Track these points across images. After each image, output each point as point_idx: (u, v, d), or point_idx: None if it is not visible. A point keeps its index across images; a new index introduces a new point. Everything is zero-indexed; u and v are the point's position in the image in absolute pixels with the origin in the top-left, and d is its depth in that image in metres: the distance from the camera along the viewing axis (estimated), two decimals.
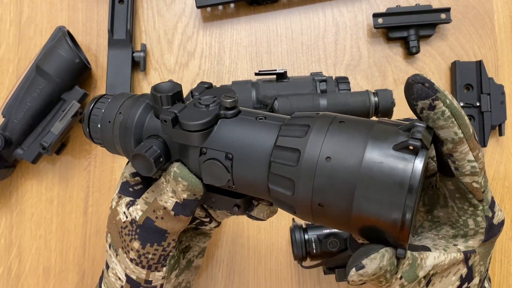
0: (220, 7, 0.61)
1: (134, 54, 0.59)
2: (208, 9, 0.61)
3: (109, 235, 0.36)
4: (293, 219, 0.56)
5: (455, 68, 0.60)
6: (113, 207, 0.35)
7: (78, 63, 0.56)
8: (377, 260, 0.24)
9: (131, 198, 0.35)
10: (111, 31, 0.59)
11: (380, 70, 0.61)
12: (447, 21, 0.59)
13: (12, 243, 0.59)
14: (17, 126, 0.55)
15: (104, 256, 0.58)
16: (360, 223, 0.24)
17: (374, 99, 0.52)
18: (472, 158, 0.26)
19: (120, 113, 0.33)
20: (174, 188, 0.31)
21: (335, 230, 0.51)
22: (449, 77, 0.61)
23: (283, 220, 0.58)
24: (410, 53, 0.60)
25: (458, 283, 0.28)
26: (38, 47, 0.60)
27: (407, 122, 0.25)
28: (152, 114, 0.32)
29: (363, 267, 0.24)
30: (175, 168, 0.31)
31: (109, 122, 0.33)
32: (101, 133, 0.34)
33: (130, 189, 0.35)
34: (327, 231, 0.51)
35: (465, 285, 0.28)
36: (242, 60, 0.62)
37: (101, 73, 0.61)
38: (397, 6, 0.60)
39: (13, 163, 0.59)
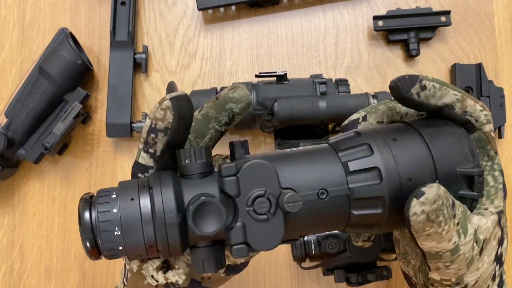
0: (222, 9, 0.61)
1: (135, 56, 0.60)
2: (210, 11, 0.62)
3: None
4: None
5: (455, 70, 0.60)
6: (134, 270, 0.32)
7: (80, 64, 0.56)
8: (434, 188, 0.25)
9: (160, 261, 0.31)
10: (113, 32, 0.59)
11: (380, 73, 0.62)
12: (447, 23, 0.59)
13: (14, 243, 0.59)
14: (19, 126, 0.55)
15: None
16: None
17: (373, 101, 0.52)
18: (481, 108, 0.29)
19: (149, 218, 0.25)
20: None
21: (335, 231, 0.52)
22: (449, 79, 0.61)
23: None
24: (410, 55, 0.60)
25: (496, 247, 0.29)
26: (41, 48, 0.61)
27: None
28: (185, 183, 0.26)
29: (423, 193, 0.24)
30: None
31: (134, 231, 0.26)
32: (126, 244, 0.26)
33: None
34: (326, 232, 0.52)
35: (500, 249, 0.29)
36: (243, 62, 0.62)
37: (103, 74, 0.61)
38: (397, 8, 0.60)
39: (16, 163, 0.59)
